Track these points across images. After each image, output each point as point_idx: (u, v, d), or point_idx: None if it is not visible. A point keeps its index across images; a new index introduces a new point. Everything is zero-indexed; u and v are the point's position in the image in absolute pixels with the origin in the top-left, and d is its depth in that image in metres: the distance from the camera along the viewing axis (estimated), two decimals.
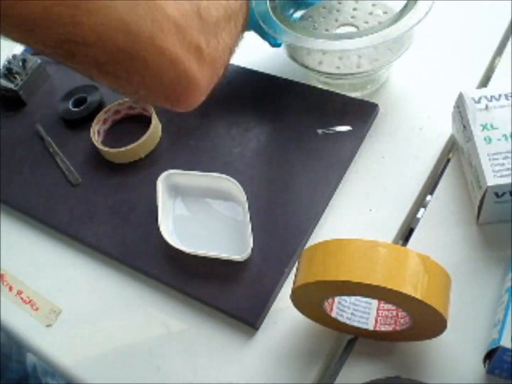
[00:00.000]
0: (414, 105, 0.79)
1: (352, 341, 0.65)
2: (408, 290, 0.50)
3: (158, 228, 0.72)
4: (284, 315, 0.66)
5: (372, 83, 0.81)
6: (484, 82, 0.81)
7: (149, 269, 0.72)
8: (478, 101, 0.69)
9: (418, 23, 0.72)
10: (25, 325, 0.74)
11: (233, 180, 0.73)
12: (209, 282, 0.69)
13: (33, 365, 1.14)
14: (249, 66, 0.87)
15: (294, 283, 0.56)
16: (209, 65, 0.50)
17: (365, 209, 0.71)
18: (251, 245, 0.68)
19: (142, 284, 0.73)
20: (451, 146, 0.75)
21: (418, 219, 0.71)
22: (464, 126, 0.69)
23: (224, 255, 0.69)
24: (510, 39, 0.85)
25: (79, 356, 0.70)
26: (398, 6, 0.74)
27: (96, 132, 0.84)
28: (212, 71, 0.51)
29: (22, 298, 0.76)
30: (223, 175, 0.74)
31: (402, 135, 0.77)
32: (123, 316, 0.71)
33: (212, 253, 0.69)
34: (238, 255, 0.68)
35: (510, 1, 0.88)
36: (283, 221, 0.71)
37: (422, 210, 0.72)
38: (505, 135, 0.66)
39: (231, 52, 0.56)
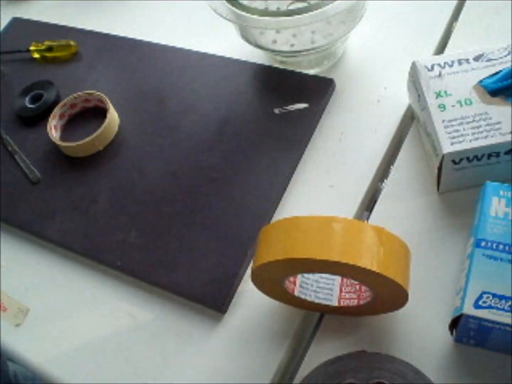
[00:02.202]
0: (370, 77, 0.79)
1: (320, 318, 0.64)
2: (364, 263, 0.50)
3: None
4: (250, 297, 0.66)
5: (329, 58, 0.80)
6: (441, 49, 0.81)
7: (112, 261, 0.71)
8: (431, 69, 0.68)
9: None
10: None
11: None
12: (172, 270, 0.68)
13: (14, 372, 1.12)
14: (203, 50, 0.86)
15: (253, 263, 0.56)
16: None
17: (326, 185, 0.71)
18: None
19: (107, 276, 0.72)
20: (409, 117, 0.75)
21: (381, 191, 0.71)
22: (419, 95, 0.68)
23: None
24: (465, 3, 0.85)
25: (50, 353, 0.70)
26: None
27: (52, 128, 0.83)
28: None
29: None
30: None
31: (360, 109, 0.76)
32: (90, 310, 0.71)
33: None
34: None
35: None
36: (243, 203, 0.70)
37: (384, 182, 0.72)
38: (459, 101, 0.65)
39: None
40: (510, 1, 0.83)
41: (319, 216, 0.52)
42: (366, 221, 0.67)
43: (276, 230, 0.54)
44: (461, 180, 0.66)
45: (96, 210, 0.75)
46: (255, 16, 0.70)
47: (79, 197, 0.77)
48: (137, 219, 0.73)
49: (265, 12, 0.71)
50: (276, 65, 0.82)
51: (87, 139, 0.79)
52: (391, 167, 0.72)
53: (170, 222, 0.72)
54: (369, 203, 0.70)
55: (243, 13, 0.71)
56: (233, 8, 0.72)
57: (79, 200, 0.77)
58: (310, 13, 0.69)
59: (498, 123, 0.64)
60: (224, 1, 0.73)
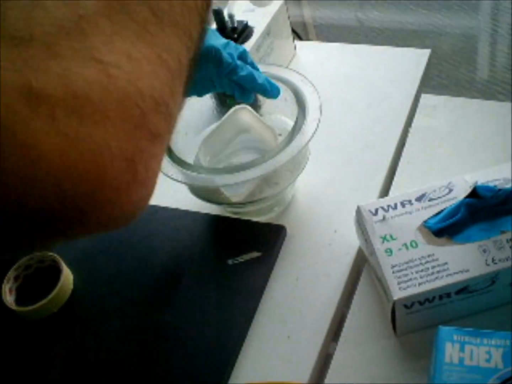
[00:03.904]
0: (320, 221, 0.80)
1: None
2: None
3: None
4: None
5: (278, 204, 0.81)
6: (387, 185, 0.83)
7: None
8: (375, 213, 0.69)
9: (308, 142, 0.73)
10: None
11: None
12: None
13: None
14: (154, 203, 0.87)
15: None
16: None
17: (283, 337, 0.70)
18: None
19: None
20: (362, 258, 0.75)
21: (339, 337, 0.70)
22: (366, 240, 0.69)
23: None
24: (407, 140, 0.88)
25: None
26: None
27: (7, 292, 0.82)
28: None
29: None
30: None
31: (312, 254, 0.76)
32: None
33: None
34: None
35: (408, 109, 0.92)
36: (199, 362, 0.68)
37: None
38: (405, 244, 0.66)
39: (172, 60, 0.34)
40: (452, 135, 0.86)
41: (267, 383, 0.51)
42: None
43: None
44: (416, 322, 0.66)
45: (52, 378, 0.73)
46: (202, 175, 0.71)
47: (35, 364, 0.75)
48: None
49: (212, 170, 0.73)
50: (228, 214, 0.83)
51: (41, 303, 0.78)
52: (348, 312, 0.71)
53: None
54: (326, 351, 0.69)
55: (190, 172, 0.72)
56: (180, 168, 0.73)
57: (35, 367, 0.75)
58: (252, 169, 0.70)
59: (445, 263, 0.64)
60: (169, 160, 0.74)
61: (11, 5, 0.28)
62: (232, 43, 0.75)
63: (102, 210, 0.30)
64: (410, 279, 0.63)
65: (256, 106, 0.83)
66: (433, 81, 1.84)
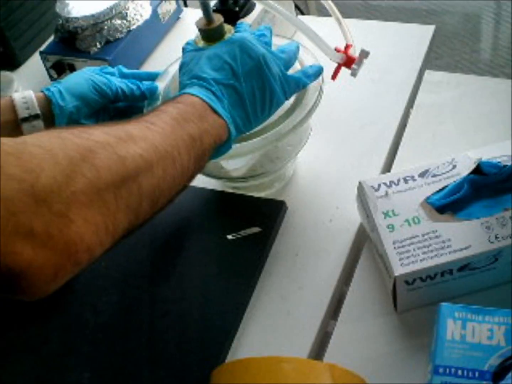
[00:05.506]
0: (322, 196, 0.79)
1: None
2: None
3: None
4: None
5: (279, 180, 0.80)
6: (389, 163, 0.82)
7: None
8: (378, 189, 0.69)
9: (309, 116, 0.72)
10: None
11: None
12: None
13: None
14: None
15: None
16: (53, 248, 0.43)
17: (282, 312, 0.69)
18: None
19: None
20: (363, 234, 0.75)
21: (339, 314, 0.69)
22: (367, 215, 0.68)
23: None
24: (409, 117, 0.87)
25: None
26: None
27: None
28: (61, 255, 0.44)
29: None
30: None
31: (313, 230, 0.76)
32: None
33: None
34: None
35: (411, 85, 0.90)
36: (197, 338, 0.68)
37: None
38: (407, 220, 0.65)
39: (113, 228, 0.48)
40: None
41: (268, 357, 0.50)
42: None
43: (226, 374, 0.52)
44: (417, 299, 0.65)
45: (48, 351, 0.72)
46: None
47: (31, 337, 0.74)
48: (90, 359, 0.70)
49: None
50: (228, 189, 0.82)
51: None
52: (348, 288, 0.70)
53: (124, 360, 0.69)
54: (326, 329, 0.69)
55: None
56: None
57: (31, 340, 0.74)
58: (251, 141, 0.69)
59: (448, 240, 0.63)
60: None
61: None
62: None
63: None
64: (412, 255, 0.63)
65: None
66: (433, 64, 1.82)
